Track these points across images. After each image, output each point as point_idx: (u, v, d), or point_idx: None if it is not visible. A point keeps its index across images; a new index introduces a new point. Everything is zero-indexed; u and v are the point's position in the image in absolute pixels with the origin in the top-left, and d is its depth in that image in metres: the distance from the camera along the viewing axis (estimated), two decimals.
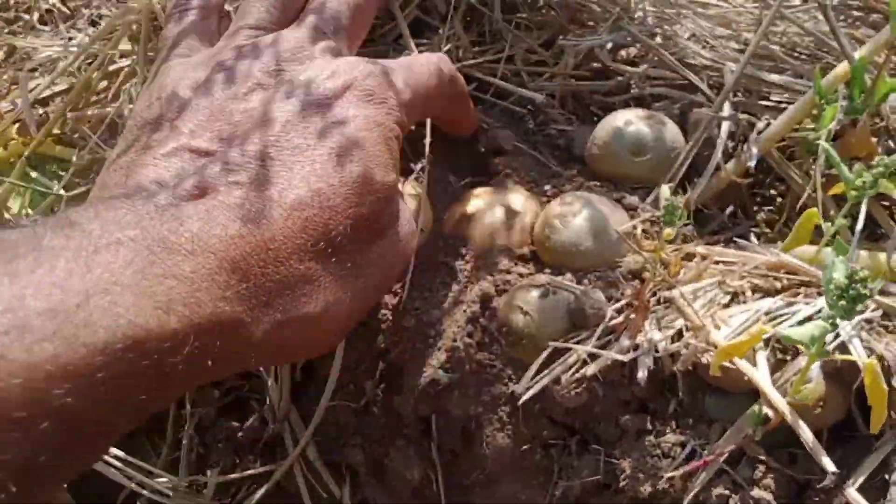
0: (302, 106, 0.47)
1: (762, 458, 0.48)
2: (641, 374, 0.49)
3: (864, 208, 0.52)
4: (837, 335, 0.45)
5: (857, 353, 0.42)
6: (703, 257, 0.54)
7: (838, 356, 0.40)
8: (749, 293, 0.52)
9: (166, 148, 0.43)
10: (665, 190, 0.46)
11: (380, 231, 0.46)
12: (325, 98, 0.48)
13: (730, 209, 0.62)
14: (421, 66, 0.56)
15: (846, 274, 0.34)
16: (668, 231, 0.44)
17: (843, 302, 0.34)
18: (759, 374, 0.43)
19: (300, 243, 0.41)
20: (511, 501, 0.55)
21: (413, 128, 0.58)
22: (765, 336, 0.42)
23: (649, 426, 0.52)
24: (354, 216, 0.44)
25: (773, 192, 0.67)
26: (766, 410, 0.43)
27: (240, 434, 0.62)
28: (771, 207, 0.66)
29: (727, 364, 0.44)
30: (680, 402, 0.52)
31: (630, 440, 0.52)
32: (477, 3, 0.71)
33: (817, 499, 0.45)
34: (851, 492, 0.40)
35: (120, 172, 0.43)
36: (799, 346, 0.38)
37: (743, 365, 0.44)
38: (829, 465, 0.40)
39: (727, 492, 0.48)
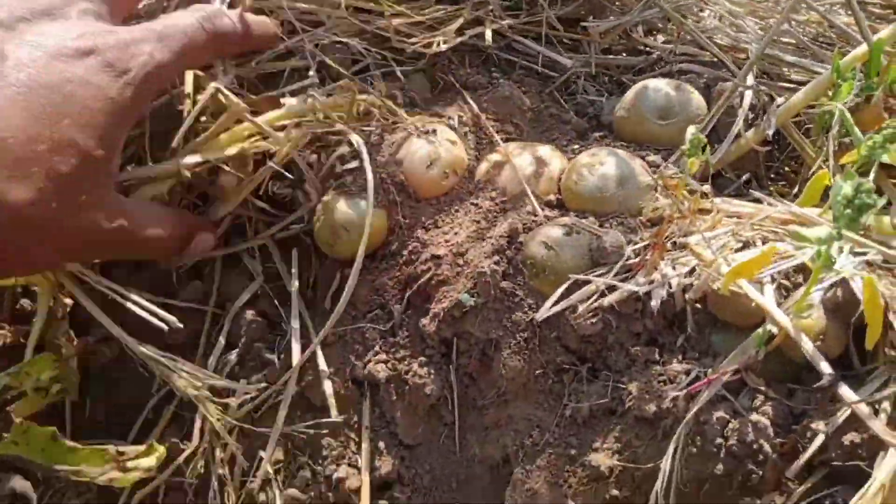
0: (41, 57, 0.49)
1: (762, 388, 0.51)
2: (655, 303, 0.53)
3: (872, 174, 0.56)
4: (841, 277, 0.49)
5: (858, 289, 0.46)
6: (719, 210, 0.58)
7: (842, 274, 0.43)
8: (759, 243, 0.56)
9: None
10: (691, 128, 0.50)
11: None
12: (66, 56, 0.50)
13: (746, 176, 0.66)
14: (175, 30, 0.57)
15: (853, 186, 0.38)
16: (693, 161, 0.48)
17: (848, 211, 0.38)
18: (765, 298, 0.47)
19: None
20: (522, 420, 0.59)
21: None
22: (773, 258, 0.45)
23: (657, 357, 0.55)
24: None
25: (786, 168, 0.71)
26: (770, 327, 0.46)
27: (265, 351, 0.66)
28: (784, 182, 0.70)
29: (735, 289, 0.48)
30: (687, 337, 0.56)
31: (639, 368, 0.55)
32: None
33: (812, 425, 0.49)
34: (844, 389, 0.43)
35: None
36: (806, 262, 0.42)
37: (750, 290, 0.48)
38: (825, 367, 0.44)
39: (727, 416, 0.51)
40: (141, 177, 0.62)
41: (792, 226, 0.48)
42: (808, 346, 0.45)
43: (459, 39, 0.72)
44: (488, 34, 0.72)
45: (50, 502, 0.68)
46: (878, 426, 0.41)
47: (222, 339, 0.67)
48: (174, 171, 0.61)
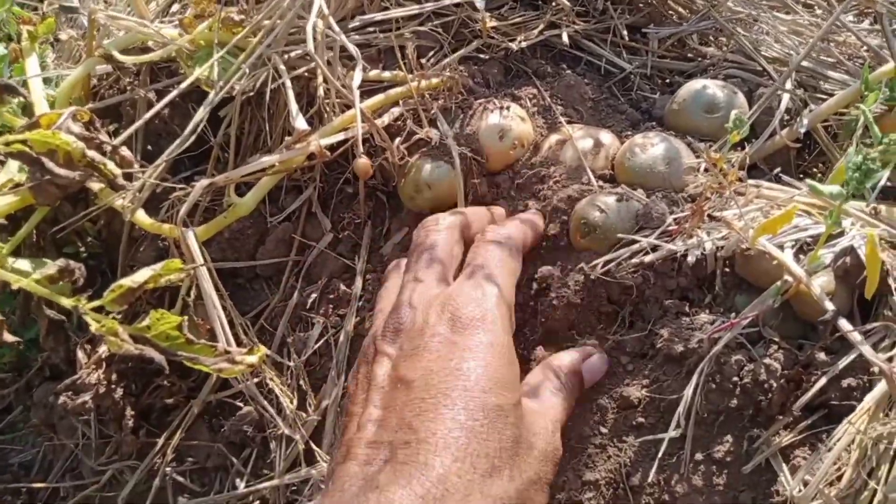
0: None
1: (776, 339, 0.60)
2: (690, 259, 0.62)
3: (887, 172, 0.65)
4: (852, 248, 0.58)
5: (863, 255, 0.55)
6: (751, 191, 0.67)
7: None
8: None
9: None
10: (735, 111, 0.59)
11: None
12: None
13: (777, 170, 0.75)
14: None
15: (863, 155, 0.47)
16: (735, 134, 0.58)
17: (857, 174, 0.47)
18: (785, 255, 0.56)
19: (464, 467, 0.51)
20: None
21: None
22: (793, 216, 0.54)
23: (687, 310, 0.65)
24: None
25: (814, 169, 0.80)
26: (787, 278, 0.55)
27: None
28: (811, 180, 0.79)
29: (760, 248, 0.57)
30: (715, 295, 0.65)
31: (670, 318, 0.65)
32: None
33: (816, 372, 0.58)
34: (843, 322, 0.52)
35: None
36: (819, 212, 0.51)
37: (772, 248, 0.57)
38: (829, 305, 0.53)
39: (744, 359, 0.60)
40: (265, 164, 0.72)
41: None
42: (816, 290, 0.54)
43: (537, 39, 0.83)
44: (565, 36, 0.82)
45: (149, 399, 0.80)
46: (868, 350, 0.50)
47: None
48: (302, 154, 0.71)
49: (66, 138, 0.58)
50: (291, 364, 0.73)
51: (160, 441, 0.78)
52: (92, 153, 0.59)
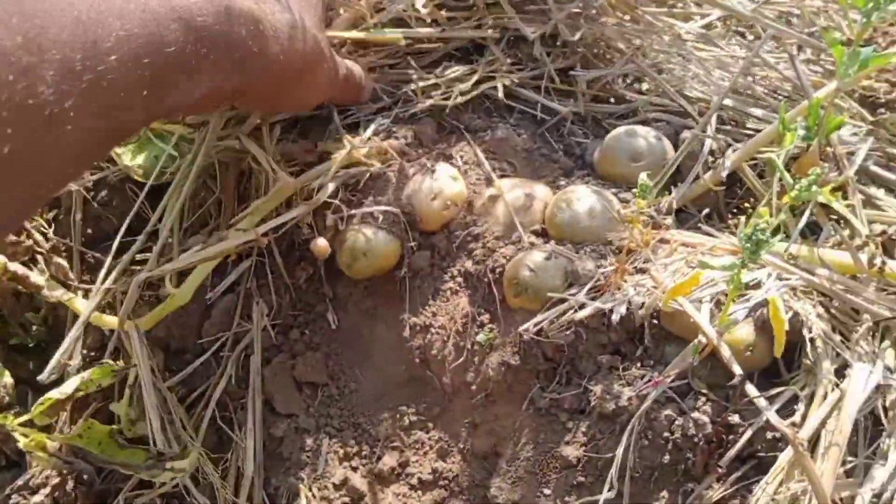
0: None
1: (704, 391, 0.61)
2: (615, 317, 0.63)
3: (808, 211, 0.66)
4: (766, 302, 0.59)
5: (779, 306, 0.56)
6: (675, 241, 0.68)
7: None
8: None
9: None
10: (643, 176, 0.60)
11: None
12: None
13: (706, 211, 0.76)
14: None
15: (753, 226, 0.48)
16: (641, 202, 0.59)
17: (748, 245, 0.48)
18: (700, 315, 0.57)
19: None
20: (507, 418, 0.69)
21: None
22: (702, 281, 0.55)
23: (619, 364, 0.65)
24: None
25: (746, 204, 0.81)
26: (701, 338, 0.56)
27: None
28: (743, 216, 0.80)
29: (676, 306, 0.58)
30: (646, 348, 0.66)
31: (603, 374, 0.65)
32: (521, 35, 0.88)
33: (745, 423, 0.59)
34: (750, 387, 0.53)
35: None
36: (724, 284, 0.52)
37: (688, 307, 0.58)
38: (737, 369, 0.53)
39: (674, 414, 0.61)
40: (200, 257, 0.73)
41: (706, 256, 0.58)
42: (725, 352, 0.55)
43: (473, 93, 0.84)
44: (500, 90, 0.83)
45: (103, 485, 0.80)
46: (772, 416, 0.51)
47: None
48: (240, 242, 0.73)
49: None
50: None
51: None
52: (14, 267, 0.60)
